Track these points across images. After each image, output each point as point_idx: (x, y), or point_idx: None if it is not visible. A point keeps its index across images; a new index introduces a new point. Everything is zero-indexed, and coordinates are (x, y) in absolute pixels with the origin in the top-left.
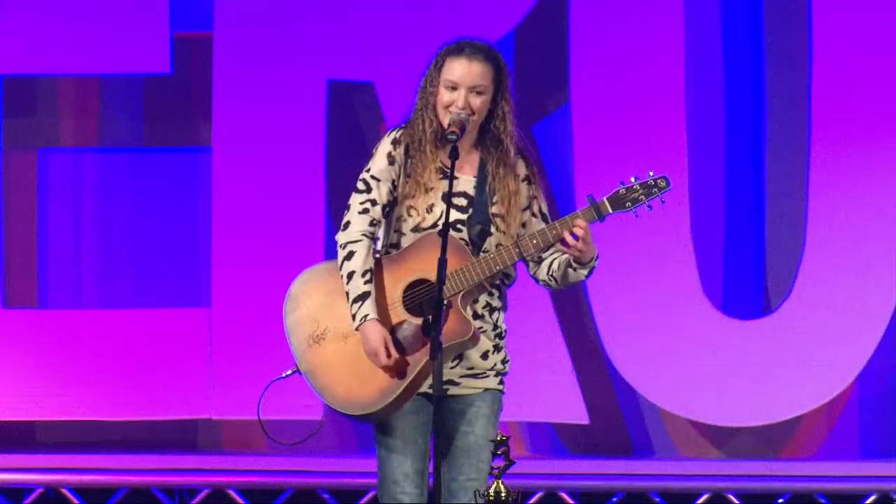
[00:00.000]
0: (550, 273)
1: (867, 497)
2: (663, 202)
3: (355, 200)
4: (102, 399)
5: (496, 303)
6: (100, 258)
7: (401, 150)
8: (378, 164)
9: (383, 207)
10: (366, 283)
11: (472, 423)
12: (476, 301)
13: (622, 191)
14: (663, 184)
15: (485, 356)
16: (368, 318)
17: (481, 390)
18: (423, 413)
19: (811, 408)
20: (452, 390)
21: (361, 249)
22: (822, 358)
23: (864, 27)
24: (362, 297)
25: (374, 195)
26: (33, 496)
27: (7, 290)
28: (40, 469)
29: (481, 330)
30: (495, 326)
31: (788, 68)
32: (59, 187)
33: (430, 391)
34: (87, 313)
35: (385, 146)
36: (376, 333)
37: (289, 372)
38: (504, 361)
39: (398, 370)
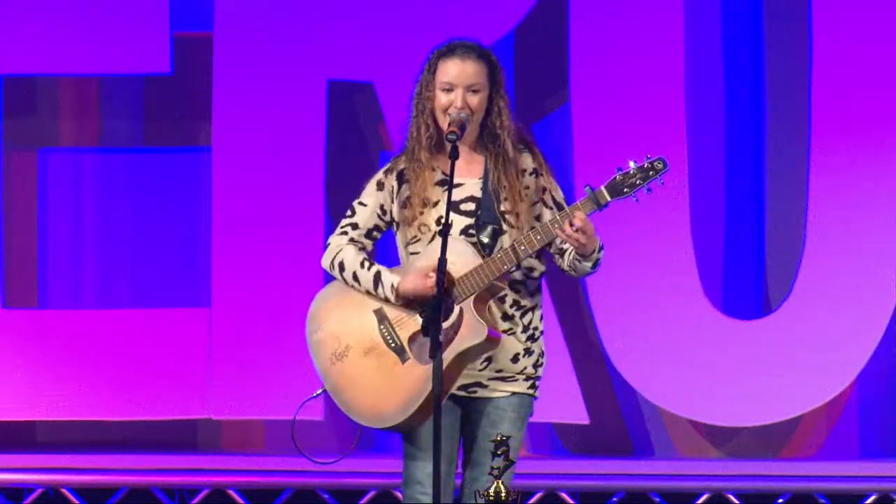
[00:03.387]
0: (569, 263)
1: (867, 497)
2: (662, 184)
3: (339, 225)
4: (102, 399)
5: (526, 301)
6: (100, 258)
7: (392, 177)
8: (367, 190)
9: (368, 231)
10: (369, 268)
11: (496, 425)
12: (503, 301)
13: (619, 177)
14: (660, 165)
15: (515, 359)
16: (396, 284)
17: (509, 394)
18: (450, 415)
19: (811, 408)
20: (480, 392)
21: (347, 254)
22: (822, 358)
23: (864, 27)
24: (377, 279)
25: (356, 219)
26: (33, 496)
27: (7, 290)
28: (40, 469)
29: (510, 332)
30: (526, 328)
31: (788, 68)
32: (59, 187)
33: (457, 393)
34: (87, 313)
35: (377, 175)
36: (410, 282)
37: (318, 392)
38: (536, 365)
39: (422, 378)
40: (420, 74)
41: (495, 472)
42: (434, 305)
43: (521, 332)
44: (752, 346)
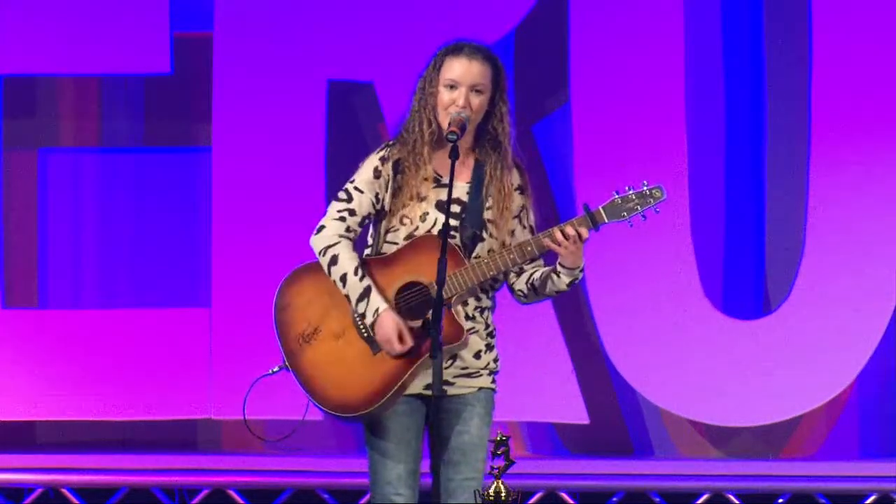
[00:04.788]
0: (530, 282)
1: (867, 497)
2: (657, 212)
3: (333, 208)
4: (102, 399)
5: (486, 303)
6: (100, 258)
7: (388, 166)
8: (363, 175)
9: (362, 219)
10: (361, 279)
11: (467, 422)
12: (466, 303)
13: (617, 200)
14: (658, 194)
15: (477, 355)
16: (381, 310)
17: (476, 389)
18: (417, 414)
19: (811, 408)
20: (447, 390)
21: (343, 250)
22: (822, 358)
23: (864, 27)
24: (366, 294)
25: (353, 205)
26: (33, 496)
27: (7, 290)
28: (40, 469)
29: (473, 330)
30: (486, 325)
31: (788, 68)
32: (59, 187)
33: (424, 392)
34: (86, 313)
35: (373, 160)
36: (390, 322)
37: (275, 369)
38: (496, 360)
39: (391, 371)
40: (424, 70)
41: (496, 472)
42: (435, 308)
43: (483, 330)
44: (752, 346)
